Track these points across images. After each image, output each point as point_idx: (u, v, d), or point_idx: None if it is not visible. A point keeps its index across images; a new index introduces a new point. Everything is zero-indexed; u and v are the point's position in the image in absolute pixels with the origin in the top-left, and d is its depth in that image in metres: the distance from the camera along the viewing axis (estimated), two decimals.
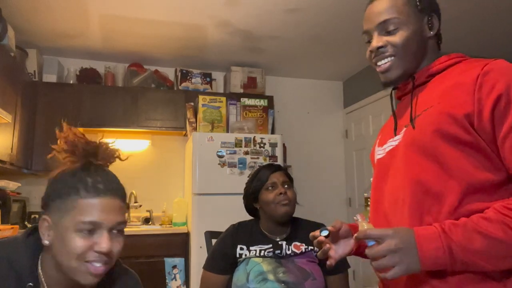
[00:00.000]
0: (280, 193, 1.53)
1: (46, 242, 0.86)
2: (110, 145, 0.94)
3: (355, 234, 0.82)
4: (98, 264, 0.84)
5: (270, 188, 1.56)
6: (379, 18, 0.97)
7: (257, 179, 1.60)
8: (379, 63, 0.99)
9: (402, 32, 0.95)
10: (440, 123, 0.84)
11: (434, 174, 0.85)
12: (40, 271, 0.88)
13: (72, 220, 0.83)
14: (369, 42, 1.02)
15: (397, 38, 0.95)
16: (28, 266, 0.86)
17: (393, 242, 0.76)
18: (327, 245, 0.95)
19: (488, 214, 0.77)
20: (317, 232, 0.95)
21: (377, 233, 0.78)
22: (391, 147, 0.98)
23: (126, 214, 0.91)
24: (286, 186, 1.57)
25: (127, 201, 0.90)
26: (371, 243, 0.80)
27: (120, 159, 0.96)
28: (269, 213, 1.55)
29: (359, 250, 1.00)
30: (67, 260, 0.83)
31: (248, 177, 1.73)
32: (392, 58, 0.96)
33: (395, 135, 0.98)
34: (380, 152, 1.04)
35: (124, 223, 0.89)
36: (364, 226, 0.87)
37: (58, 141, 0.90)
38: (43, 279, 0.87)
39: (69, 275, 0.84)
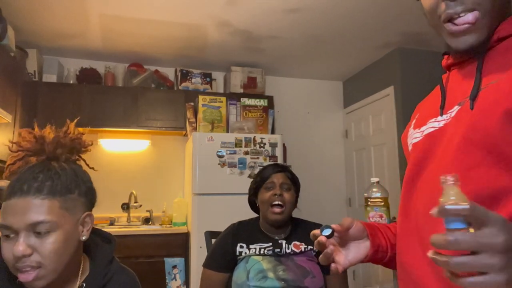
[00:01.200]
0: (275, 194, 1.53)
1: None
2: (69, 138, 0.90)
3: (434, 209, 0.50)
4: (26, 270, 0.78)
5: (268, 187, 1.57)
6: None
7: (260, 176, 1.62)
8: (457, 20, 0.69)
9: None
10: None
11: (493, 171, 0.63)
12: None
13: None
14: None
15: None
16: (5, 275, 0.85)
17: (501, 237, 0.47)
18: (331, 247, 0.76)
19: None
20: (318, 231, 0.77)
21: (480, 213, 0.48)
22: (433, 129, 0.74)
23: (52, 211, 0.82)
24: (285, 188, 1.57)
25: (73, 195, 0.86)
26: (454, 225, 0.49)
27: (83, 146, 0.92)
28: (263, 213, 1.58)
29: (377, 256, 0.80)
30: (10, 269, 0.81)
31: (249, 177, 1.74)
32: (477, 13, 0.68)
33: (441, 114, 0.74)
34: (417, 136, 0.79)
35: (43, 222, 0.80)
36: (450, 194, 0.51)
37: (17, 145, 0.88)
38: None
39: None
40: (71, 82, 3.56)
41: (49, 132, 0.90)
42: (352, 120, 4.27)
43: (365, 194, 1.87)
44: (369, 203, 1.79)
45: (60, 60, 3.61)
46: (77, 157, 0.95)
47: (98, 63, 3.72)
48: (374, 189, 1.70)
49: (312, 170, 4.20)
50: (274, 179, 1.58)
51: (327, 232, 0.75)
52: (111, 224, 3.40)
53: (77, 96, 3.40)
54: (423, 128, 0.77)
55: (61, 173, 0.86)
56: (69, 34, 3.23)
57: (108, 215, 3.43)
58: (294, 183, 1.61)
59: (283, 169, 1.63)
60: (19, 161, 0.87)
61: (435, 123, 0.74)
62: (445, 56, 0.80)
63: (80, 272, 0.92)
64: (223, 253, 1.57)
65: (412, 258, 0.72)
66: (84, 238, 0.89)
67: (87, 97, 3.42)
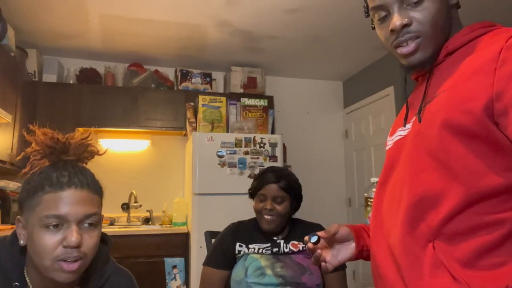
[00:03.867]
0: (266, 208, 1.53)
1: (21, 242, 0.85)
2: (83, 140, 0.93)
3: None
4: (70, 260, 0.80)
5: (261, 198, 1.57)
6: None
7: (257, 183, 1.60)
8: (402, 46, 0.81)
9: (426, 5, 0.77)
10: (450, 112, 0.70)
11: (436, 174, 0.72)
12: (26, 274, 0.86)
13: (37, 216, 0.81)
14: (385, 18, 0.84)
15: (424, 13, 0.77)
16: (15, 266, 0.85)
17: None
18: (318, 251, 0.90)
19: None
20: (307, 237, 0.91)
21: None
22: (399, 137, 0.84)
23: (98, 206, 0.88)
24: (277, 201, 1.54)
25: (102, 194, 0.90)
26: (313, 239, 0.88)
27: (97, 154, 0.94)
28: (257, 219, 1.59)
29: (363, 255, 0.93)
30: (40, 259, 0.81)
31: (249, 177, 1.73)
32: (419, 39, 0.79)
33: (404, 125, 0.84)
34: (389, 143, 0.90)
35: (95, 215, 0.85)
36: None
37: (32, 144, 0.89)
38: (28, 280, 0.86)
39: (45, 274, 0.82)
40: (71, 82, 3.56)
41: (74, 136, 0.93)
42: (352, 120, 4.27)
43: (365, 194, 1.87)
44: (369, 203, 1.79)
45: (60, 60, 3.61)
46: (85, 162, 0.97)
47: (98, 63, 3.72)
48: (374, 189, 1.70)
49: (312, 170, 4.20)
50: (266, 191, 1.55)
51: (314, 239, 0.90)
52: (111, 224, 3.40)
53: (77, 96, 3.40)
54: (393, 136, 0.88)
55: (92, 173, 0.91)
56: (69, 34, 3.23)
57: (108, 215, 3.42)
58: (290, 192, 1.57)
59: (278, 179, 1.56)
60: (44, 158, 0.89)
61: (401, 132, 0.85)
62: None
63: None
64: (223, 251, 1.58)
65: (379, 252, 0.84)
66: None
67: (87, 97, 3.42)
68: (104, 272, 0.94)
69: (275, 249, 1.56)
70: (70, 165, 0.88)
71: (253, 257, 1.54)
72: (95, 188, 0.88)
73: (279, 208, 1.54)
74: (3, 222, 2.74)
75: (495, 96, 0.66)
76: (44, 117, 3.29)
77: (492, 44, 0.71)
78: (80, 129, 3.46)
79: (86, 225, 0.83)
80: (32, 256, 0.83)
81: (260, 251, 1.55)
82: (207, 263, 1.60)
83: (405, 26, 0.79)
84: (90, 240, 0.83)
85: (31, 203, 0.82)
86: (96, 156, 0.93)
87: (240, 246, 1.58)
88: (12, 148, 2.85)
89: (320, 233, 0.90)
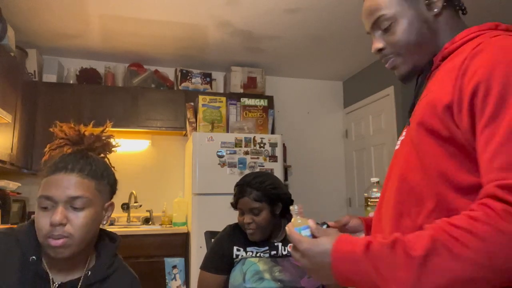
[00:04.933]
0: (246, 223, 1.51)
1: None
2: (104, 136, 1.04)
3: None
4: (55, 237, 0.88)
5: (240, 212, 1.55)
6: (370, 19, 0.89)
7: (234, 198, 1.57)
8: (385, 64, 0.91)
9: (397, 27, 0.84)
10: (424, 114, 0.74)
11: (420, 173, 0.75)
12: (42, 250, 0.95)
13: (37, 198, 0.92)
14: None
15: (394, 36, 0.85)
16: (32, 244, 0.94)
17: (304, 261, 0.74)
18: None
19: (420, 232, 0.65)
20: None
21: (293, 240, 0.77)
22: (402, 137, 0.87)
23: (88, 191, 0.94)
24: (254, 211, 1.49)
25: (104, 180, 1.01)
26: (305, 232, 0.78)
27: (112, 145, 1.06)
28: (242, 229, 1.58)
29: None
30: (38, 236, 0.91)
31: None
32: (392, 59, 0.88)
33: (409, 124, 0.85)
34: (398, 143, 0.92)
35: (81, 197, 0.92)
36: (297, 220, 0.80)
37: (55, 138, 1.01)
38: (43, 258, 0.95)
39: (46, 252, 0.92)
40: (71, 82, 3.56)
41: (88, 129, 1.04)
42: (352, 120, 4.27)
43: (365, 194, 1.87)
44: (369, 203, 1.78)
45: (60, 60, 3.61)
46: (103, 154, 1.08)
47: (98, 63, 3.72)
48: (374, 189, 1.70)
49: (312, 170, 4.20)
50: (241, 205, 1.53)
51: (324, 227, 0.88)
52: (111, 224, 3.40)
53: (77, 96, 3.40)
54: (400, 137, 0.90)
55: (97, 161, 1.00)
56: (69, 34, 3.23)
57: None
58: (265, 200, 1.50)
59: (248, 192, 1.50)
60: (60, 148, 0.99)
61: (404, 132, 0.87)
62: None
63: (87, 262, 1.00)
64: (221, 255, 1.56)
65: None
66: (104, 223, 1.01)
67: (87, 97, 3.42)
68: (112, 263, 1.01)
69: (273, 252, 1.54)
70: (79, 154, 0.97)
71: (251, 261, 1.52)
72: (90, 174, 0.95)
73: (258, 219, 1.49)
74: (3, 222, 2.74)
75: (454, 103, 0.69)
76: (44, 117, 3.29)
77: (465, 51, 0.73)
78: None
79: (75, 207, 0.91)
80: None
81: (258, 254, 1.54)
82: (205, 267, 1.58)
83: (380, 50, 0.88)
84: (76, 221, 0.91)
85: (39, 187, 0.94)
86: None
87: (238, 250, 1.56)
88: (12, 148, 2.85)
89: (331, 223, 0.89)
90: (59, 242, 0.89)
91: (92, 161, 0.98)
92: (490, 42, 0.70)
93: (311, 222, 0.82)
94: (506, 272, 0.57)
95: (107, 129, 1.07)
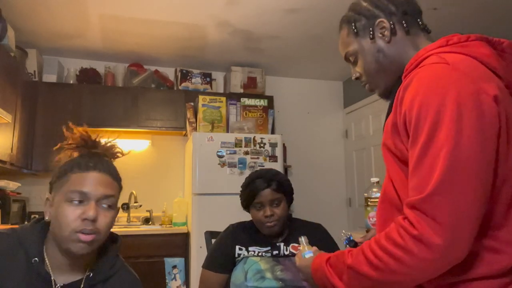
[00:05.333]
0: (266, 216, 1.50)
1: (46, 218, 0.95)
2: (112, 141, 1.05)
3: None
4: (86, 232, 0.90)
5: (257, 206, 1.53)
6: (342, 54, 1.03)
7: (247, 193, 1.56)
8: (366, 88, 1.04)
9: (360, 61, 0.97)
10: (385, 133, 0.84)
11: (391, 185, 0.85)
12: (45, 250, 0.95)
13: (63, 192, 0.92)
14: None
15: (360, 68, 0.98)
16: (35, 245, 0.94)
17: (301, 274, 1.00)
18: None
19: (362, 244, 0.79)
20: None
21: (297, 264, 1.03)
22: None
23: (116, 191, 1.00)
24: (275, 203, 1.52)
25: (121, 184, 1.04)
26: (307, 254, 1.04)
27: (122, 153, 1.06)
28: (258, 227, 1.58)
29: None
30: (60, 230, 0.90)
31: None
32: (370, 83, 0.99)
33: None
34: None
35: (112, 196, 0.96)
36: (305, 247, 1.07)
37: (67, 139, 1.02)
38: (46, 259, 0.95)
39: (63, 246, 0.91)
40: (71, 82, 3.56)
41: (103, 136, 1.08)
42: (352, 120, 4.27)
43: (365, 194, 1.87)
44: (369, 203, 1.78)
45: (60, 60, 3.61)
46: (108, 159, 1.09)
47: (98, 63, 3.72)
48: (374, 189, 1.70)
49: (312, 170, 4.20)
50: (261, 198, 1.52)
51: (351, 244, 1.17)
52: None
53: (77, 96, 3.40)
54: None
55: (114, 165, 1.04)
56: (69, 34, 3.23)
57: None
58: (283, 191, 1.55)
59: (269, 182, 1.53)
60: (76, 148, 1.01)
61: None
62: None
63: (90, 262, 1.00)
64: (223, 254, 1.57)
65: None
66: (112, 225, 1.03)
67: (87, 97, 3.42)
68: (114, 264, 1.02)
69: (275, 252, 1.55)
70: (96, 156, 1.00)
71: (253, 260, 1.52)
72: (115, 176, 1.00)
73: (278, 211, 1.52)
74: (3, 222, 2.74)
75: (397, 127, 0.79)
76: (44, 117, 3.30)
77: (408, 78, 0.81)
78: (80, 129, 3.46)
79: (104, 205, 0.94)
80: (54, 229, 0.93)
81: (260, 254, 1.54)
82: (207, 266, 1.59)
83: (357, 78, 1.02)
84: (104, 219, 0.94)
85: (60, 183, 0.94)
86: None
87: (240, 249, 1.56)
88: (12, 148, 2.85)
89: (358, 239, 1.06)
90: (89, 237, 0.91)
91: (113, 165, 1.03)
92: (420, 72, 0.78)
93: (314, 249, 1.06)
94: (404, 275, 0.72)
95: (116, 138, 1.09)
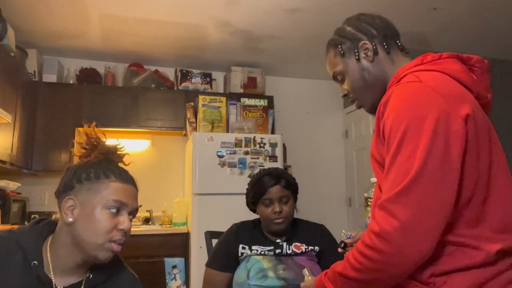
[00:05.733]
0: (275, 212, 1.51)
1: (70, 219, 0.92)
2: (115, 146, 1.06)
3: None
4: (119, 243, 0.93)
5: (266, 203, 1.54)
6: (330, 73, 1.10)
7: (256, 190, 1.56)
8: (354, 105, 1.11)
9: (347, 79, 1.05)
10: (372, 145, 0.91)
11: (378, 191, 0.93)
12: (48, 252, 0.94)
13: (102, 198, 0.92)
14: None
15: (347, 86, 1.05)
16: (34, 247, 0.93)
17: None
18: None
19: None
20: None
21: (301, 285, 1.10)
22: None
23: None
24: (284, 200, 1.54)
25: None
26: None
27: (124, 163, 1.08)
28: (265, 225, 1.58)
29: None
30: (93, 237, 0.90)
31: (249, 177, 1.71)
32: (357, 100, 1.06)
33: None
34: None
35: (137, 210, 1.02)
36: (308, 278, 1.13)
37: (81, 138, 1.01)
38: (49, 259, 0.93)
39: (88, 251, 0.91)
40: (71, 82, 3.56)
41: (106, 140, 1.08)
42: (352, 120, 4.27)
43: (365, 194, 1.86)
44: (369, 203, 1.78)
45: (60, 60, 3.61)
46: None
47: (98, 63, 3.72)
48: (374, 189, 1.70)
49: (312, 170, 4.20)
50: (271, 194, 1.53)
51: (341, 245, 1.15)
52: None
53: (77, 96, 3.40)
54: None
55: None
56: (69, 34, 3.23)
57: None
58: (291, 188, 1.57)
59: (278, 179, 1.54)
60: (92, 154, 1.00)
61: None
62: None
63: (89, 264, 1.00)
64: (226, 253, 1.58)
65: None
66: None
67: (87, 97, 3.42)
68: (114, 264, 1.01)
69: (277, 251, 1.55)
70: (115, 165, 1.01)
71: (256, 259, 1.53)
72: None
73: (287, 209, 1.53)
74: (3, 222, 2.74)
75: (381, 139, 0.87)
76: (44, 117, 3.30)
77: (386, 94, 0.89)
78: (81, 129, 3.46)
79: (131, 216, 0.98)
80: (82, 233, 0.91)
81: (263, 253, 1.55)
82: (210, 265, 1.59)
83: (345, 95, 1.08)
84: (130, 230, 0.97)
85: (94, 186, 0.93)
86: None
87: (243, 248, 1.57)
88: (12, 148, 2.85)
89: (348, 240, 1.09)
90: (120, 248, 0.94)
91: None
92: (395, 90, 0.86)
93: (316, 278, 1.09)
94: (378, 272, 0.79)
95: (121, 145, 1.10)
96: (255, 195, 1.56)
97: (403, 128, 0.79)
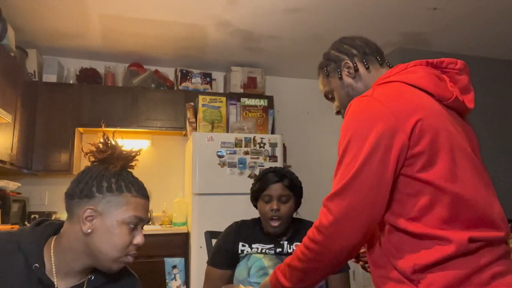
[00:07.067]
0: (272, 209, 1.51)
1: (88, 230, 0.90)
2: (132, 153, 1.07)
3: None
4: (133, 255, 0.96)
5: (266, 200, 1.54)
6: (322, 92, 1.22)
7: (259, 185, 1.58)
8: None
9: (336, 96, 1.16)
10: None
11: None
12: (52, 254, 0.93)
13: (124, 213, 0.93)
14: None
15: (337, 103, 1.16)
16: (35, 250, 0.91)
17: None
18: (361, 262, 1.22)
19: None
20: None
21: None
22: None
23: None
24: (282, 199, 1.54)
25: None
26: None
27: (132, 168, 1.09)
28: (263, 223, 1.58)
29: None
30: (110, 250, 0.91)
31: (249, 177, 1.71)
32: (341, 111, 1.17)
33: None
34: None
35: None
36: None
37: (96, 140, 1.01)
38: (53, 262, 0.92)
39: (102, 262, 0.92)
40: (71, 82, 3.56)
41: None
42: None
43: None
44: None
45: (60, 60, 3.61)
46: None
47: (98, 63, 3.72)
48: None
49: (312, 170, 4.20)
50: (271, 191, 1.54)
51: None
52: None
53: (77, 96, 3.40)
54: None
55: None
56: (69, 34, 3.23)
57: None
58: (293, 190, 1.58)
59: (281, 177, 1.56)
60: (110, 160, 0.99)
61: None
62: None
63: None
64: (226, 250, 1.58)
65: None
66: None
67: (87, 97, 3.42)
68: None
69: (278, 250, 1.56)
70: (132, 175, 1.03)
71: (256, 257, 1.53)
72: None
73: (285, 209, 1.53)
74: (3, 222, 2.74)
75: None
76: (44, 117, 3.30)
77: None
78: (81, 129, 3.46)
79: (142, 230, 0.99)
80: (97, 244, 0.91)
81: (264, 251, 1.55)
82: (211, 262, 1.60)
83: (338, 112, 1.18)
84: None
85: (115, 199, 0.93)
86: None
87: (243, 245, 1.57)
88: (12, 148, 2.85)
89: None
90: (133, 260, 0.96)
91: None
92: (350, 105, 0.94)
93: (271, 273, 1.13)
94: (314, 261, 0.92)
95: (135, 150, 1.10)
96: (257, 189, 1.58)
97: (348, 138, 0.89)
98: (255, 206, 1.66)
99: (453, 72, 0.99)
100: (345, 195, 0.86)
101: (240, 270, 1.53)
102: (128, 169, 1.04)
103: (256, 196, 1.60)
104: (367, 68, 1.10)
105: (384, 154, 0.84)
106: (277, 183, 1.55)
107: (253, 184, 1.64)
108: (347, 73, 1.11)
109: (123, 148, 1.03)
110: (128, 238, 0.93)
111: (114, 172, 0.97)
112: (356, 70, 1.10)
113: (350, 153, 0.88)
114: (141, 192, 0.99)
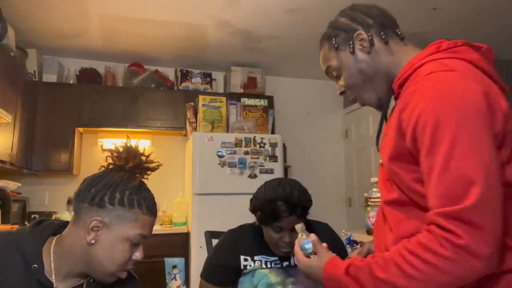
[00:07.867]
0: (284, 241, 1.34)
1: (92, 241, 0.89)
2: (145, 157, 1.07)
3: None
4: (128, 269, 0.95)
5: (276, 229, 1.35)
6: (323, 68, 1.04)
7: (268, 214, 1.34)
8: (355, 102, 1.04)
9: (343, 75, 0.97)
10: (386, 148, 0.85)
11: (388, 185, 0.90)
12: (51, 255, 0.92)
13: (130, 230, 0.92)
14: None
15: (344, 82, 0.98)
16: (34, 250, 0.91)
17: (304, 273, 0.95)
18: None
19: (386, 254, 0.78)
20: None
21: (297, 257, 0.97)
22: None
23: None
24: (295, 229, 1.26)
25: None
26: (308, 245, 0.96)
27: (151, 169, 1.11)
28: (269, 245, 1.44)
29: None
30: (108, 264, 0.90)
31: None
32: (356, 96, 0.99)
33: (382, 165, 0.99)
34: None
35: None
36: (302, 236, 0.99)
37: (116, 147, 1.00)
38: (52, 263, 0.92)
39: (98, 274, 0.91)
40: (71, 82, 3.56)
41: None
42: (352, 120, 4.27)
43: (365, 194, 1.86)
44: (369, 203, 1.78)
45: (60, 60, 3.61)
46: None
47: (98, 63, 3.72)
48: (374, 189, 1.70)
49: (312, 170, 4.20)
50: (283, 224, 1.32)
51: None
52: None
53: (77, 96, 3.40)
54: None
55: None
56: (69, 34, 3.23)
57: None
58: (306, 214, 1.38)
59: (294, 209, 1.32)
60: (127, 165, 0.99)
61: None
62: None
63: None
64: (224, 267, 1.43)
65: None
66: None
67: (87, 97, 3.43)
68: None
69: (285, 263, 1.43)
70: (145, 187, 1.02)
71: (262, 273, 1.41)
72: None
73: (295, 236, 1.27)
74: (3, 222, 2.74)
75: (405, 133, 0.79)
76: (44, 117, 3.30)
77: (412, 82, 0.81)
78: (81, 129, 3.46)
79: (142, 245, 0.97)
80: (97, 256, 0.90)
81: (269, 265, 1.42)
82: (206, 277, 1.45)
83: (342, 92, 1.02)
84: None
85: (125, 214, 0.92)
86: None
87: (245, 260, 1.43)
88: (12, 148, 2.85)
89: (352, 255, 1.07)
90: (127, 273, 0.95)
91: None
92: (423, 82, 0.77)
93: (313, 237, 0.98)
94: (447, 285, 0.71)
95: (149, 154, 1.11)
96: (266, 218, 1.36)
97: (453, 125, 0.70)
98: (260, 224, 1.45)
99: (489, 61, 0.85)
100: (489, 200, 0.70)
101: None
102: (143, 178, 1.03)
103: (263, 222, 1.39)
104: (386, 43, 0.92)
105: (493, 140, 0.71)
106: (290, 216, 1.32)
107: (259, 205, 1.39)
108: (360, 47, 0.93)
109: (143, 157, 1.03)
110: (127, 255, 0.92)
111: (131, 186, 0.96)
112: (372, 44, 0.92)
113: (463, 145, 0.70)
114: (151, 209, 0.98)
